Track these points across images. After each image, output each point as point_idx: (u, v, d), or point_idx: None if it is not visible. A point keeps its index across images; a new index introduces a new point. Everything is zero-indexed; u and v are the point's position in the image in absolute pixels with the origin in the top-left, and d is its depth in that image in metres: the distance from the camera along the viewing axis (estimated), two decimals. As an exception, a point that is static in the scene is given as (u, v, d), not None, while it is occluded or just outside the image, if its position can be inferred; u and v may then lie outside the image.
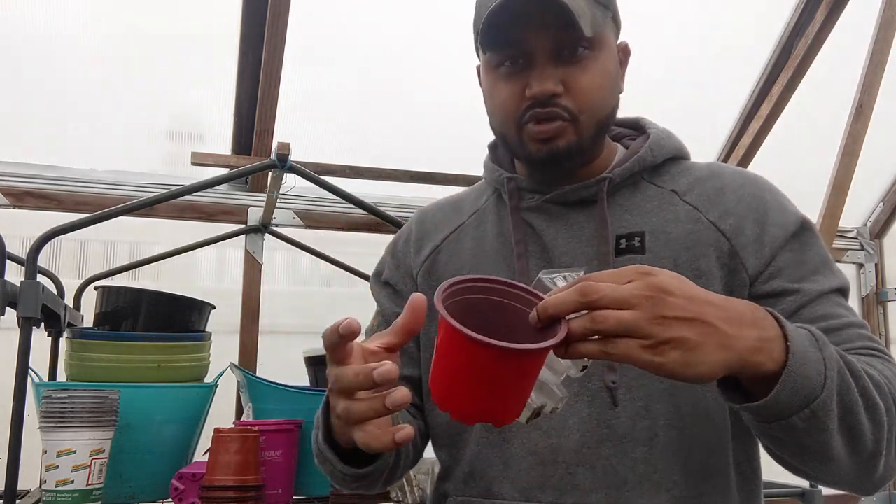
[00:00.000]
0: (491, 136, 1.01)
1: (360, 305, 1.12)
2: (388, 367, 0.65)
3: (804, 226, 0.92)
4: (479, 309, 0.67)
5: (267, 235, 2.28)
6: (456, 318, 0.62)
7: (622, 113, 1.01)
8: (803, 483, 1.98)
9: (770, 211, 0.91)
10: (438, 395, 0.66)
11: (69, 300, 1.95)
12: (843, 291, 0.90)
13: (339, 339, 0.66)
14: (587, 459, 0.86)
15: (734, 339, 0.65)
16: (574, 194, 0.94)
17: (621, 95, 0.97)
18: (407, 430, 0.66)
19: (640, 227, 0.92)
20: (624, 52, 0.98)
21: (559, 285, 0.69)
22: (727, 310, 0.67)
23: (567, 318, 0.64)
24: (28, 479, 1.50)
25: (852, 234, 3.01)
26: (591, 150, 0.94)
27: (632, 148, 0.98)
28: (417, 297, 0.69)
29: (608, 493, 0.85)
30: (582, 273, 0.72)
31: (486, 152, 1.07)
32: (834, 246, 2.82)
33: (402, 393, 0.65)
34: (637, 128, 1.04)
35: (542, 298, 0.66)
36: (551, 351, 0.64)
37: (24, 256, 1.37)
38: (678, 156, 0.99)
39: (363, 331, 1.08)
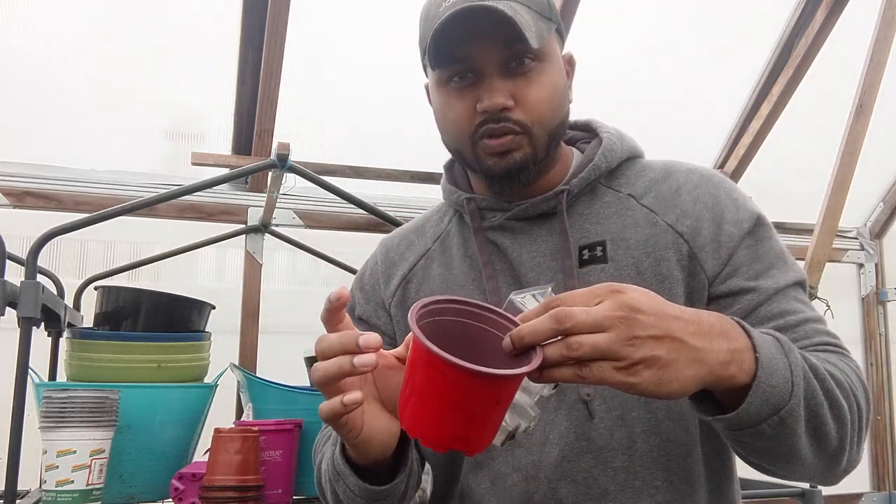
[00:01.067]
0: None
1: (360, 305, 1.12)
2: (373, 335, 0.66)
3: (759, 222, 0.92)
4: (451, 332, 0.66)
5: (267, 235, 2.28)
6: (429, 339, 0.60)
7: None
8: (803, 483, 1.98)
9: (725, 210, 0.92)
10: (408, 419, 0.65)
11: (69, 300, 1.95)
12: (800, 284, 0.91)
13: (331, 307, 0.68)
14: (568, 473, 0.87)
15: (705, 353, 0.66)
16: (534, 209, 0.95)
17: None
18: (357, 394, 0.67)
19: (600, 235, 0.93)
20: (569, 62, 0.99)
21: (529, 307, 0.69)
22: (696, 323, 0.67)
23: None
24: (28, 479, 1.50)
25: (852, 234, 3.01)
26: (546, 160, 0.94)
27: (586, 155, 0.99)
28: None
29: None
30: (549, 290, 0.73)
31: None
32: (834, 246, 2.82)
33: (371, 357, 0.65)
34: (589, 130, 1.04)
35: (514, 322, 0.66)
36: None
37: (24, 256, 1.37)
38: (632, 156, 1.00)
39: None
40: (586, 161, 0.97)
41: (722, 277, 0.89)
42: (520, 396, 0.69)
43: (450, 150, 0.98)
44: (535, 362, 0.61)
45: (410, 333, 0.66)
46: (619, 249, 0.92)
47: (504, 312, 0.68)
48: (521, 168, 0.91)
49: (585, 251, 0.93)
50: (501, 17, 0.84)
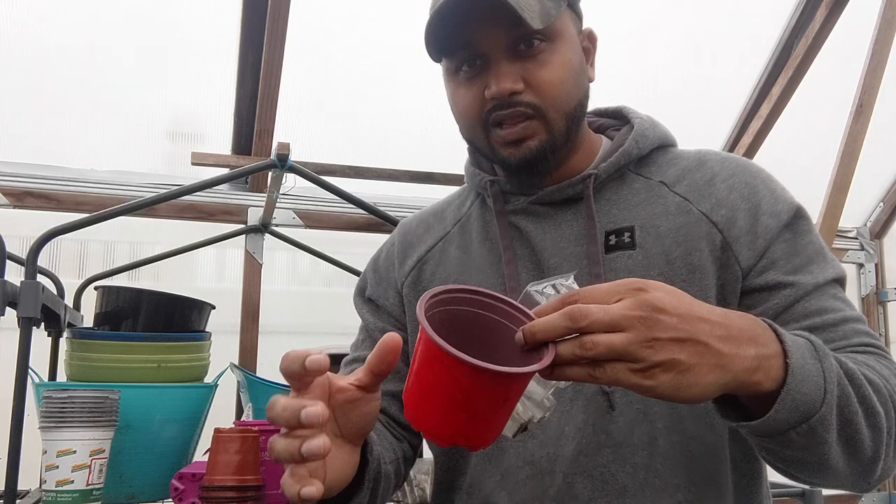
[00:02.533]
0: None
1: (360, 305, 1.12)
2: (317, 409, 0.60)
3: (798, 214, 0.88)
4: (462, 322, 0.64)
5: (267, 235, 2.28)
6: (437, 331, 0.59)
7: (614, 104, 0.99)
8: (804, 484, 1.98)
9: (763, 200, 0.87)
10: (412, 411, 0.63)
11: (69, 300, 1.94)
12: (839, 282, 0.87)
13: (302, 371, 0.62)
14: (585, 468, 0.83)
15: (730, 359, 0.62)
16: (560, 193, 0.91)
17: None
18: (313, 489, 0.61)
19: (629, 221, 0.89)
20: (589, 38, 0.94)
21: (547, 299, 0.67)
22: (724, 326, 0.63)
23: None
24: (28, 479, 1.50)
25: (852, 234, 3.01)
26: (566, 145, 0.90)
27: (616, 140, 0.95)
28: (389, 338, 0.65)
29: (608, 501, 0.82)
30: (571, 280, 0.69)
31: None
32: (834, 246, 2.82)
33: (318, 443, 0.60)
34: (620, 117, 1.00)
35: (528, 315, 0.63)
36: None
37: (24, 256, 1.37)
38: (665, 144, 0.96)
39: (349, 345, 1.08)
40: (616, 146, 0.93)
41: (757, 270, 0.85)
42: (533, 387, 0.67)
43: (466, 142, 0.96)
44: (546, 360, 0.59)
45: (381, 342, 0.64)
46: (648, 237, 0.87)
47: (518, 305, 0.65)
48: (539, 156, 0.87)
49: (612, 236, 0.88)
50: (495, 1, 0.80)
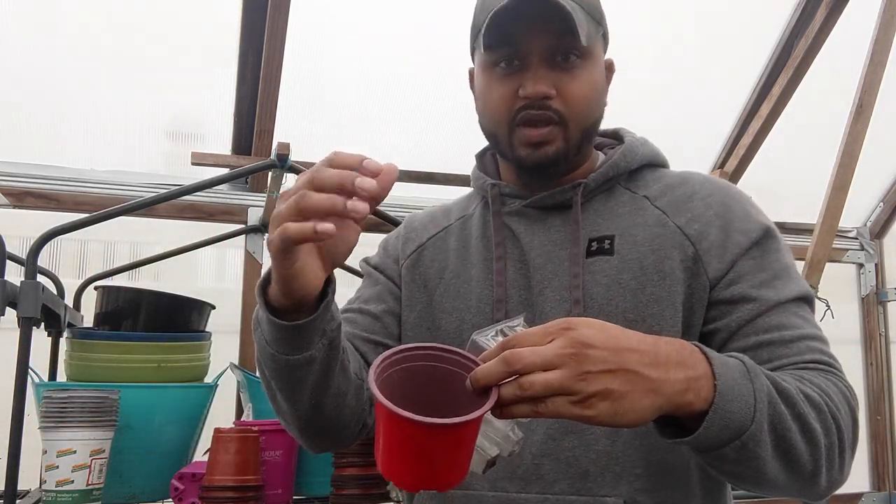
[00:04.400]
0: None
1: (360, 305, 1.12)
2: (373, 182, 0.69)
3: (767, 234, 0.93)
4: (421, 376, 0.69)
5: (267, 235, 2.27)
6: (395, 389, 0.64)
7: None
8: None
9: (735, 219, 0.93)
10: (381, 467, 0.68)
11: (69, 300, 1.95)
12: (805, 300, 0.91)
13: (357, 164, 0.71)
14: (552, 451, 0.90)
15: (660, 383, 0.68)
16: (552, 199, 0.98)
17: (609, 107, 1.00)
18: (327, 226, 0.68)
19: (610, 230, 0.95)
20: (609, 68, 1.01)
21: (492, 345, 0.71)
22: (652, 354, 0.68)
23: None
24: (28, 479, 1.50)
25: (852, 234, 3.01)
26: (577, 157, 0.97)
27: (608, 156, 1.01)
28: (389, 166, 0.73)
29: (571, 482, 0.89)
30: (521, 321, 0.76)
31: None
32: (834, 246, 2.82)
33: (363, 206, 0.68)
34: (617, 137, 1.07)
35: (475, 362, 0.68)
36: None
37: (24, 256, 1.37)
38: (654, 163, 1.02)
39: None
40: (606, 159, 1.00)
41: (725, 283, 0.90)
42: (495, 425, 0.72)
43: (486, 135, 1.00)
44: (489, 404, 0.64)
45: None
46: (626, 244, 0.94)
47: (467, 354, 0.70)
48: (553, 161, 0.94)
49: (594, 243, 0.95)
50: (560, 10, 0.87)
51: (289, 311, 0.79)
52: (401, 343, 1.00)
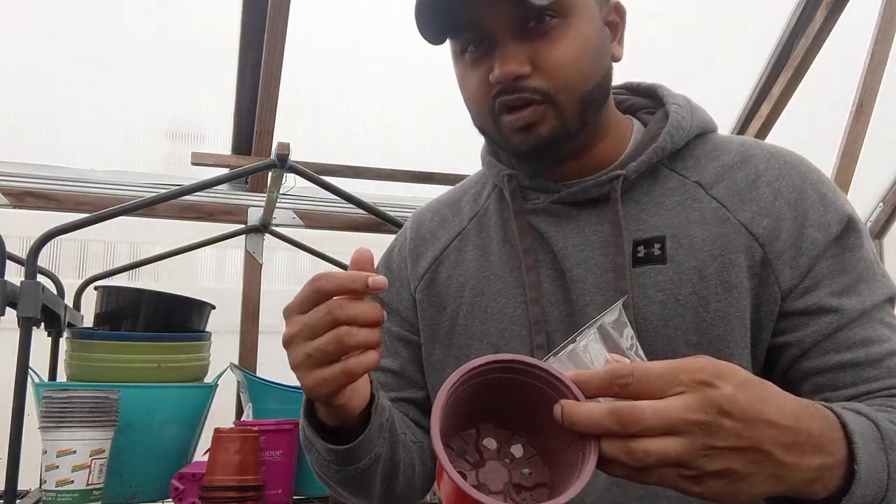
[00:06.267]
0: None
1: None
2: (382, 278, 0.62)
3: (849, 226, 0.78)
4: (494, 387, 0.59)
5: (267, 235, 2.27)
6: (468, 404, 0.56)
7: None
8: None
9: (811, 208, 0.79)
10: None
11: (69, 300, 1.94)
12: (890, 301, 0.78)
13: (364, 289, 0.62)
14: (617, 499, 0.78)
15: (790, 469, 0.56)
16: (584, 193, 0.83)
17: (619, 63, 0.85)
18: (371, 357, 0.62)
19: (659, 229, 0.80)
20: (617, 11, 0.84)
21: (592, 351, 0.60)
22: (793, 432, 0.56)
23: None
24: (28, 479, 1.50)
25: (852, 234, 3.01)
26: (583, 131, 0.81)
27: (648, 131, 0.86)
28: (360, 252, 0.65)
29: None
30: (619, 310, 0.63)
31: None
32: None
33: (377, 312, 0.62)
34: (654, 96, 0.91)
35: (567, 385, 0.56)
36: None
37: (24, 256, 1.37)
38: (704, 131, 0.86)
39: None
40: (648, 140, 0.84)
41: (799, 292, 0.77)
42: None
43: (478, 130, 0.88)
44: (585, 476, 0.52)
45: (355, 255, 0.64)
46: (680, 249, 0.79)
47: (557, 373, 0.57)
48: (550, 144, 0.79)
49: (641, 248, 0.80)
50: None
51: (339, 427, 0.73)
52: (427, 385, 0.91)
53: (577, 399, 0.55)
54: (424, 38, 0.81)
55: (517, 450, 0.61)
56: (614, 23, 0.84)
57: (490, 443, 0.61)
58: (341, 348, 0.62)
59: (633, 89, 0.94)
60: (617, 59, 0.84)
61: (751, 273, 0.78)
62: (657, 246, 0.80)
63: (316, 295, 0.63)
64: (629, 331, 0.64)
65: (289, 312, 0.66)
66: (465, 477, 0.56)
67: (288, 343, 0.65)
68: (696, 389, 0.53)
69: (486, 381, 0.58)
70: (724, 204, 0.80)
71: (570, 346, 0.61)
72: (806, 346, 0.76)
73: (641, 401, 0.53)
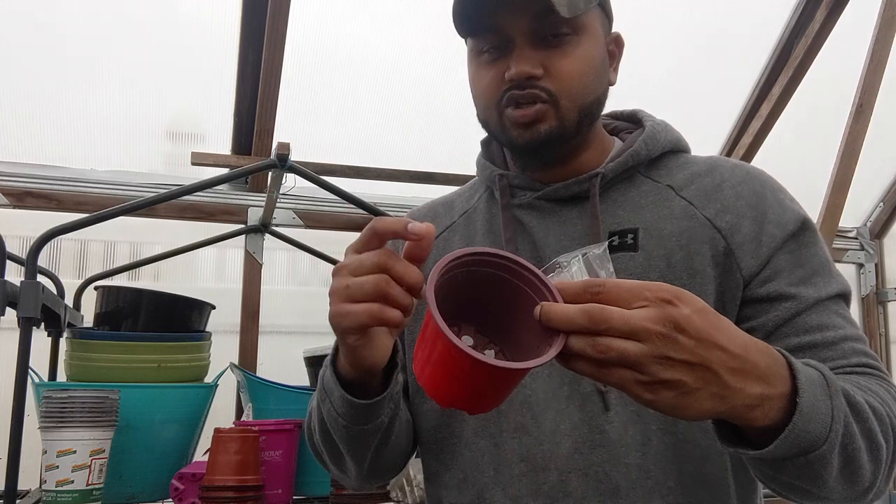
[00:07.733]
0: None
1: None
2: (423, 225, 0.66)
3: (804, 226, 0.88)
4: (480, 281, 0.65)
5: (267, 235, 2.28)
6: (452, 291, 0.60)
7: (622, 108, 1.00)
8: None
9: (769, 209, 0.88)
10: (419, 373, 0.65)
11: (69, 300, 1.95)
12: (843, 297, 0.86)
13: (403, 231, 0.66)
14: (579, 466, 0.84)
15: (732, 392, 0.62)
16: (566, 190, 0.92)
17: (612, 88, 0.95)
18: (395, 312, 0.66)
19: (633, 223, 0.89)
20: (616, 42, 0.96)
21: (574, 269, 0.66)
22: (740, 359, 0.62)
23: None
24: (28, 479, 1.50)
25: (852, 234, 3.01)
26: (575, 138, 0.90)
27: (627, 141, 0.95)
28: (425, 227, 0.68)
29: (601, 499, 0.83)
30: (604, 249, 0.69)
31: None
32: (834, 246, 2.82)
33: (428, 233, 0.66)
34: (634, 121, 1.01)
35: (551, 290, 0.63)
36: None
37: (24, 256, 1.37)
38: (676, 149, 0.96)
39: None
40: (626, 147, 0.94)
41: (760, 280, 0.85)
42: None
43: (480, 122, 0.95)
44: (550, 354, 0.59)
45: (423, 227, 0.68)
46: (651, 239, 0.88)
47: (544, 277, 0.64)
48: (546, 141, 0.88)
49: (616, 237, 0.89)
50: None
51: (357, 382, 0.78)
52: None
53: (556, 301, 0.63)
54: (458, 32, 0.90)
55: (489, 354, 0.67)
56: (613, 52, 0.95)
57: (468, 339, 0.67)
58: (376, 291, 0.66)
59: (616, 116, 1.03)
60: (611, 84, 0.95)
61: (714, 262, 0.86)
62: (630, 236, 0.89)
63: (372, 234, 0.69)
64: (610, 267, 0.70)
65: (348, 248, 0.71)
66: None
67: (336, 272, 0.71)
68: (658, 305, 0.60)
69: (476, 273, 0.65)
70: (692, 202, 0.90)
71: (557, 269, 0.69)
72: (768, 330, 0.83)
73: (611, 306, 0.60)
